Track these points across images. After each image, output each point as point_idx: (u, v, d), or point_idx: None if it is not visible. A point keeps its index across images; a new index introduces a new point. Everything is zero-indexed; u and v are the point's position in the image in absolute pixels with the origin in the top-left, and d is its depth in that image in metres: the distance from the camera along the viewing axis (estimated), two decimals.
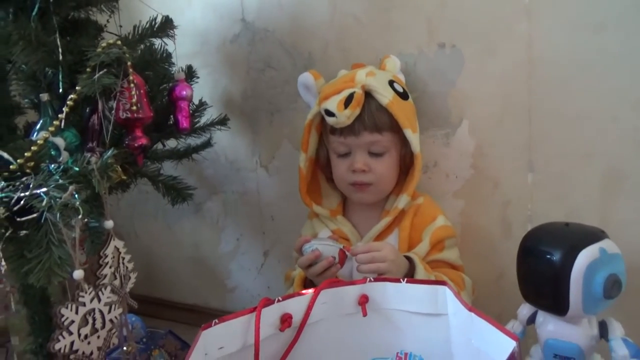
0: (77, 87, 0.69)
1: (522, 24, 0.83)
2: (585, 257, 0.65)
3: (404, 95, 0.84)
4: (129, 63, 0.73)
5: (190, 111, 0.85)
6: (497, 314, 0.80)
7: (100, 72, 0.71)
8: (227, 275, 1.22)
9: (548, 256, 0.67)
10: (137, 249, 1.30)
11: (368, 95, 0.81)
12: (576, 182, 0.83)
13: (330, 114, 0.79)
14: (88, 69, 0.71)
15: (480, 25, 0.86)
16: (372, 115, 0.80)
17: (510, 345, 0.42)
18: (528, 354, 0.75)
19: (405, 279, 0.59)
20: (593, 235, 0.67)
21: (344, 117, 0.78)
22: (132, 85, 0.74)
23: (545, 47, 0.82)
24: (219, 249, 1.22)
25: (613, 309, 0.71)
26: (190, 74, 0.93)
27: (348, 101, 0.79)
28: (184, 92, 0.82)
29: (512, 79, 0.85)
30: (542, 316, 0.72)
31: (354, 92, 0.79)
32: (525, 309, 0.75)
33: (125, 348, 0.66)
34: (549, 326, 0.71)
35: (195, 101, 0.95)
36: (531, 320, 0.74)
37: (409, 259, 0.77)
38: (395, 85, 0.84)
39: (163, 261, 1.30)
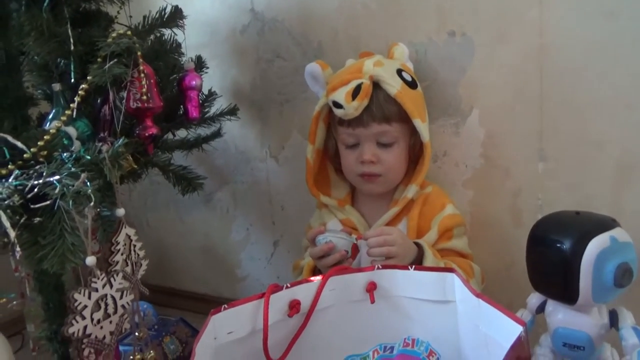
0: (88, 77, 0.70)
1: (533, 11, 0.82)
2: (595, 245, 0.64)
3: (412, 84, 0.83)
4: (139, 53, 0.74)
5: (200, 101, 0.86)
6: (507, 303, 0.78)
7: (111, 62, 0.71)
8: (238, 264, 1.23)
9: (558, 245, 0.66)
10: (149, 240, 1.32)
11: (376, 85, 0.80)
12: (588, 171, 0.82)
13: (338, 105, 0.79)
14: (99, 59, 0.72)
15: (490, 13, 0.85)
16: (381, 106, 0.79)
17: (517, 330, 0.42)
18: (538, 343, 0.75)
19: (414, 266, 0.59)
20: (604, 224, 0.67)
21: (352, 108, 0.78)
22: (142, 75, 0.74)
23: (556, 34, 0.81)
24: (229, 238, 1.23)
25: (624, 298, 0.70)
26: (199, 64, 0.94)
27: (356, 92, 0.78)
28: (194, 82, 0.83)
29: (523, 67, 0.84)
30: (551, 305, 0.72)
31: (362, 83, 0.79)
32: (534, 298, 0.74)
33: (137, 334, 0.67)
34: (559, 315, 0.70)
35: (205, 91, 0.95)
36: (541, 309, 0.74)
37: (418, 245, 0.77)
38: (404, 74, 0.83)
39: (175, 251, 1.32)
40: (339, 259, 0.73)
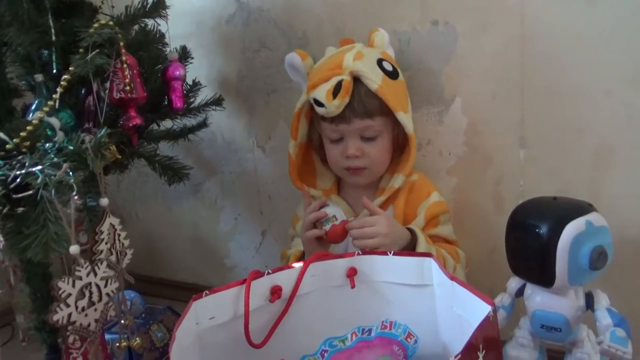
0: (70, 68, 0.70)
1: (515, 0, 0.83)
2: (571, 229, 0.66)
3: (393, 74, 0.83)
4: (121, 43, 0.74)
5: (184, 91, 0.86)
6: (489, 287, 0.81)
7: (93, 53, 0.71)
8: (227, 254, 1.24)
9: (535, 229, 0.68)
10: (138, 231, 1.33)
11: (357, 80, 0.79)
12: (568, 158, 0.84)
13: (319, 104, 0.79)
14: (81, 50, 0.72)
15: (473, 2, 0.86)
16: (362, 101, 0.79)
17: (486, 309, 0.44)
18: (517, 326, 0.77)
19: (393, 252, 0.60)
20: (580, 209, 0.68)
21: (333, 107, 0.77)
22: (125, 65, 0.74)
23: (537, 22, 0.82)
24: (218, 228, 1.24)
25: (601, 281, 0.72)
26: (184, 54, 0.94)
27: (336, 90, 0.77)
28: (177, 72, 0.83)
29: (504, 55, 0.85)
30: (530, 288, 0.74)
31: (342, 80, 0.78)
32: (514, 282, 0.76)
33: (123, 322, 0.68)
34: (537, 298, 0.72)
35: (190, 82, 0.95)
36: (520, 292, 0.75)
37: (410, 231, 0.78)
38: (384, 64, 0.82)
39: (164, 242, 1.33)
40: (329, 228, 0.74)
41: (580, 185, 0.82)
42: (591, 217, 0.68)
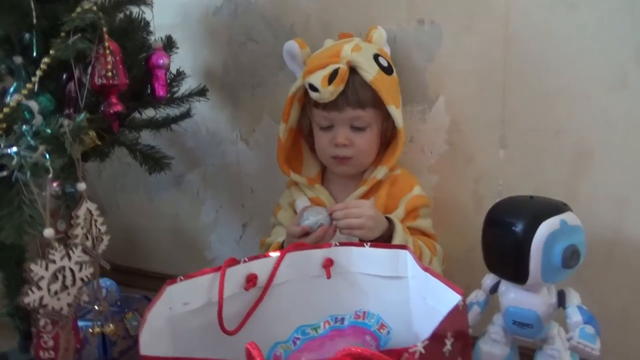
0: (51, 52, 0.70)
1: (500, 1, 0.84)
2: (546, 227, 0.67)
3: (388, 70, 0.85)
4: (104, 29, 0.74)
5: (168, 80, 0.86)
6: (466, 285, 0.81)
7: (75, 37, 0.71)
8: (207, 246, 1.23)
9: (511, 227, 0.69)
10: (118, 221, 1.31)
11: (352, 70, 0.81)
12: (546, 158, 0.85)
13: (314, 89, 0.80)
14: (62, 34, 0.71)
15: (458, 2, 0.87)
16: (356, 92, 0.81)
17: (456, 299, 0.44)
18: (491, 322, 0.78)
19: (369, 244, 0.60)
20: (555, 208, 0.70)
21: (327, 93, 0.79)
22: (107, 51, 0.74)
23: (520, 24, 0.83)
24: (199, 221, 1.23)
25: (574, 281, 0.73)
26: (170, 44, 0.93)
27: (332, 77, 0.79)
28: (161, 61, 0.82)
29: (488, 55, 0.86)
30: (504, 285, 0.75)
31: (339, 68, 0.80)
32: (489, 279, 0.77)
33: (97, 308, 0.68)
34: (510, 295, 0.73)
35: (174, 71, 0.95)
36: (494, 289, 0.77)
37: (389, 221, 0.78)
38: (380, 59, 0.84)
39: (144, 233, 1.32)
40: (322, 234, 0.73)
41: (557, 186, 0.83)
42: (566, 216, 0.69)
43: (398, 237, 0.74)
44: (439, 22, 0.89)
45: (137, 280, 1.28)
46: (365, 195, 0.86)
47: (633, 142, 0.78)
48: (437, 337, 0.40)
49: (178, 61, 1.03)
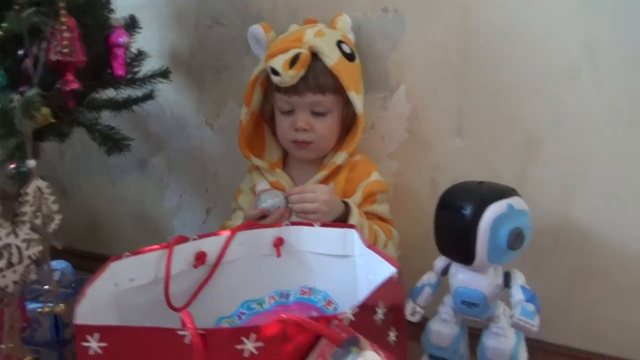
0: (2, 24, 0.68)
1: None
2: (493, 210, 0.69)
3: (350, 57, 0.86)
4: (60, 4, 0.72)
5: (128, 60, 0.85)
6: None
7: (29, 10, 0.69)
8: (170, 231, 1.23)
9: (461, 210, 0.71)
10: (81, 204, 1.30)
11: (314, 56, 0.82)
12: (499, 149, 0.87)
13: (275, 72, 0.81)
14: (16, 7, 0.70)
15: None
16: (317, 77, 0.82)
17: (391, 271, 0.46)
18: (441, 302, 0.80)
19: (319, 223, 0.61)
20: (503, 192, 0.72)
21: (288, 77, 0.80)
22: (64, 27, 0.73)
23: (480, 18, 0.85)
24: (162, 205, 1.22)
25: (522, 265, 0.76)
26: (133, 23, 0.92)
27: (293, 62, 0.80)
28: (120, 39, 0.82)
29: (449, 47, 0.88)
30: (454, 267, 0.77)
31: (301, 52, 0.80)
32: (440, 262, 0.79)
33: (47, 287, 0.67)
34: (460, 276, 0.76)
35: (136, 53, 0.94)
36: (445, 271, 0.79)
37: (346, 204, 0.80)
38: (343, 45, 0.85)
39: (107, 217, 1.30)
40: (278, 217, 0.74)
41: (509, 174, 0.86)
42: (513, 200, 0.71)
43: (353, 221, 0.75)
44: (402, 12, 0.90)
45: (98, 265, 1.25)
46: (324, 180, 0.87)
47: (580, 133, 0.81)
48: (367, 306, 0.42)
49: (143, 43, 1.02)
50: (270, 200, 0.72)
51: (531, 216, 0.75)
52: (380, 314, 0.42)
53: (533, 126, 0.84)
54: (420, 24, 0.89)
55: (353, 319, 0.39)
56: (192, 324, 0.35)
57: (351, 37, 0.91)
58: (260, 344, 0.37)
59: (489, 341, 0.75)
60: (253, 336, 0.37)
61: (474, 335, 0.80)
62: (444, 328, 0.78)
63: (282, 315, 0.37)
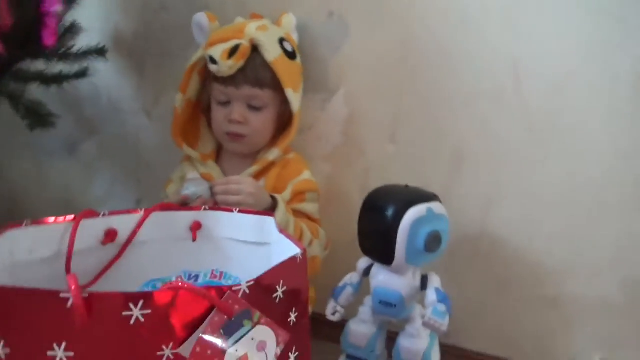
0: None
1: (404, 6, 0.88)
2: (413, 213, 0.71)
3: (292, 55, 0.86)
4: None
5: (59, 30, 0.81)
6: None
7: None
8: None
9: (383, 211, 0.73)
10: (1, 188, 1.22)
11: (255, 49, 0.82)
12: (428, 158, 0.90)
13: (213, 61, 0.80)
14: None
15: (368, 0, 0.90)
16: (256, 70, 0.82)
17: (296, 252, 0.46)
18: (362, 303, 0.81)
19: (238, 210, 0.61)
20: (424, 196, 0.74)
21: (226, 67, 0.79)
22: None
23: (421, 32, 0.87)
24: (90, 192, 1.17)
25: (442, 271, 0.78)
26: None
27: (233, 52, 0.80)
28: (53, 8, 0.78)
29: (389, 56, 0.90)
30: (376, 268, 0.78)
31: (240, 44, 0.80)
32: (363, 262, 0.81)
33: None
34: (380, 276, 0.77)
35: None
36: (367, 272, 0.80)
37: (274, 198, 0.79)
38: (285, 43, 0.86)
39: (30, 201, 1.23)
40: (200, 205, 0.72)
41: (436, 183, 0.89)
42: (433, 205, 0.74)
43: (279, 215, 0.75)
44: (347, 18, 0.92)
45: None
46: (256, 176, 0.87)
47: (501, 150, 0.85)
48: (266, 282, 0.41)
49: (87, 22, 0.99)
50: (194, 188, 0.71)
51: (455, 225, 0.78)
52: (280, 292, 0.42)
53: (460, 139, 0.88)
54: (363, 31, 0.92)
55: (248, 292, 0.39)
56: (77, 285, 0.34)
57: (295, 36, 0.92)
58: (147, 311, 0.36)
59: (403, 342, 0.76)
60: (141, 302, 0.35)
61: (394, 338, 0.81)
62: (362, 328, 0.79)
63: (173, 283, 0.36)
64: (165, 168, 1.07)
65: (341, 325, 0.82)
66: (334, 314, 0.81)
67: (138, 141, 1.11)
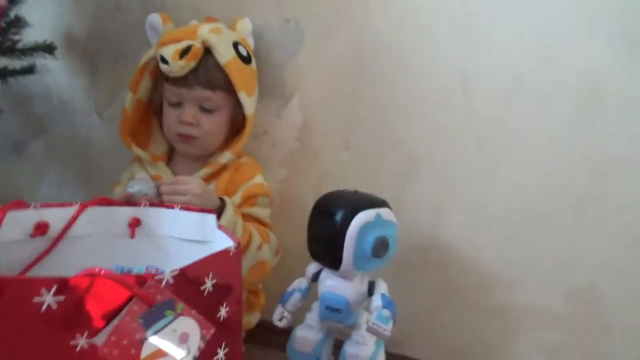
0: None
1: (359, 14, 0.90)
2: (361, 218, 0.71)
3: (246, 59, 0.86)
4: None
5: (3, 24, 0.79)
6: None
7: None
8: None
9: (332, 215, 0.72)
10: None
11: (208, 51, 0.82)
12: (381, 164, 0.91)
13: (164, 61, 0.80)
14: None
15: (321, 6, 0.91)
16: (208, 72, 0.81)
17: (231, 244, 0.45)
18: (310, 309, 0.80)
19: (180, 206, 0.59)
20: (374, 202, 0.75)
21: (177, 67, 0.79)
22: None
23: (374, 37, 0.89)
24: (37, 194, 1.13)
25: (392, 279, 0.78)
26: None
27: (184, 52, 0.79)
28: None
29: (344, 64, 0.91)
30: (324, 273, 0.78)
31: (192, 45, 0.80)
32: (312, 267, 0.80)
33: None
34: (328, 282, 0.76)
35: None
36: (316, 277, 0.79)
37: (222, 201, 0.78)
38: (240, 47, 0.85)
39: None
40: (144, 203, 0.70)
41: (389, 190, 0.88)
42: (381, 210, 0.74)
43: (226, 217, 0.74)
44: (303, 25, 0.93)
45: None
46: (207, 179, 0.85)
47: (450, 158, 0.87)
48: (193, 273, 0.40)
49: (39, 22, 0.96)
50: (138, 186, 0.69)
51: (405, 232, 0.79)
52: (209, 284, 0.41)
53: (411, 147, 0.89)
54: (319, 39, 0.93)
55: (172, 281, 0.38)
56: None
57: (250, 41, 0.92)
58: (61, 297, 0.34)
59: (349, 348, 0.76)
60: (54, 288, 0.34)
61: (339, 348, 0.80)
62: (308, 334, 0.78)
63: (91, 269, 0.35)
64: (116, 170, 1.04)
65: (289, 332, 0.81)
66: (280, 319, 0.79)
67: (89, 142, 1.08)
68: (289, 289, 0.80)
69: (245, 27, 0.90)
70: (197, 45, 0.80)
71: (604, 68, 0.77)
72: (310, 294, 0.81)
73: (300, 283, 0.80)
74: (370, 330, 0.68)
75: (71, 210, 0.56)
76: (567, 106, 0.80)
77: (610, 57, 0.76)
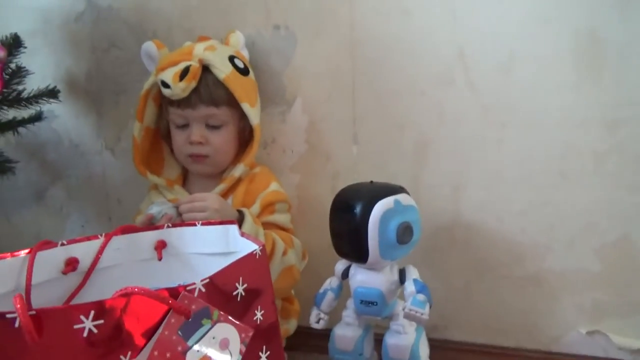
0: None
1: (345, 9, 0.91)
2: (380, 206, 0.71)
3: (244, 71, 0.87)
4: None
5: (6, 76, 0.81)
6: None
7: None
8: None
9: (351, 209, 0.73)
10: None
11: (206, 69, 0.83)
12: (392, 152, 0.91)
13: (165, 85, 0.81)
14: None
15: (308, 9, 0.93)
16: (209, 89, 0.82)
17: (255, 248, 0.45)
18: (345, 307, 0.80)
19: (201, 223, 0.60)
20: (391, 190, 0.75)
21: (178, 89, 0.80)
22: None
23: (364, 29, 0.90)
24: (63, 238, 1.14)
25: (420, 263, 0.78)
26: (17, 43, 0.89)
27: (184, 74, 0.80)
28: None
29: (337, 58, 0.92)
30: (353, 268, 0.78)
31: (190, 65, 0.81)
32: (340, 265, 0.80)
33: None
34: (358, 276, 0.76)
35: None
36: (346, 274, 0.79)
37: (241, 212, 0.79)
38: (236, 60, 0.87)
39: None
40: (165, 223, 0.71)
41: (404, 176, 0.89)
42: (399, 196, 0.74)
43: (246, 228, 0.75)
44: (293, 28, 0.94)
45: None
46: (224, 194, 0.86)
47: (459, 133, 0.87)
48: (223, 279, 0.41)
49: (39, 69, 0.99)
50: (158, 207, 0.70)
51: (427, 216, 0.79)
52: (240, 289, 0.41)
53: (420, 128, 0.89)
54: (310, 39, 0.94)
55: (204, 290, 0.38)
56: (23, 304, 0.33)
57: (245, 53, 0.93)
58: (100, 321, 0.35)
59: (389, 339, 0.75)
60: (92, 313, 0.34)
61: (380, 342, 0.79)
62: (347, 331, 0.77)
63: (128, 288, 0.35)
64: (136, 202, 1.06)
65: (328, 334, 0.81)
66: (317, 321, 0.79)
67: (105, 179, 1.10)
68: (321, 290, 0.80)
69: (237, 40, 0.91)
70: (195, 64, 0.81)
71: (601, 21, 0.76)
72: (342, 291, 0.81)
73: (332, 282, 0.80)
74: (407, 316, 0.68)
75: (97, 243, 0.57)
76: (567, 62, 0.79)
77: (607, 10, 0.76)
